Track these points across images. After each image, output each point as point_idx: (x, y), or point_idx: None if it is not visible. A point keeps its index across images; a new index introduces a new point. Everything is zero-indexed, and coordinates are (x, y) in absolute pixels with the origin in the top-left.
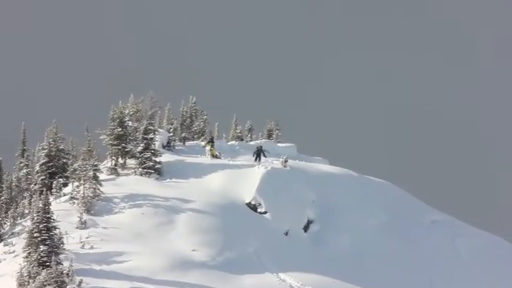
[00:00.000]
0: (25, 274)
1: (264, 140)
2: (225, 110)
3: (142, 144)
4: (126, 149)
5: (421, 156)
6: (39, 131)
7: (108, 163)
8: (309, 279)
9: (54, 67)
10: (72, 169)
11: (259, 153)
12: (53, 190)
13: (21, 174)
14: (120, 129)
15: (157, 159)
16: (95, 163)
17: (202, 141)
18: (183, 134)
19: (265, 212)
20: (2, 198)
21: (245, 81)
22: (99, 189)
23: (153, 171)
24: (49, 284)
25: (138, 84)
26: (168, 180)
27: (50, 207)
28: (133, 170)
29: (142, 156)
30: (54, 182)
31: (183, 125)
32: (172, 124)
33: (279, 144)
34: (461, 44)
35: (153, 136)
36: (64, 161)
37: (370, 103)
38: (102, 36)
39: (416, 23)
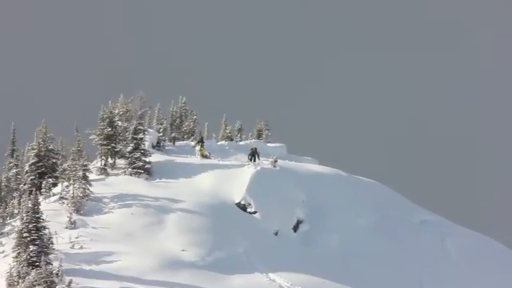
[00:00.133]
0: (15, 274)
1: (253, 140)
2: (215, 110)
3: (132, 144)
4: (116, 149)
5: (415, 157)
6: (29, 131)
7: (98, 163)
8: (298, 279)
9: (47, 67)
10: (61, 169)
11: (253, 154)
12: (42, 190)
13: (11, 174)
14: (110, 129)
15: (147, 159)
16: (85, 163)
17: (192, 141)
18: (173, 134)
19: (254, 212)
20: None
21: (239, 81)
22: (88, 189)
23: (142, 171)
24: (39, 284)
25: (132, 84)
26: (157, 180)
27: (40, 207)
28: (123, 170)
29: (132, 156)
30: (44, 182)
31: (173, 125)
32: (162, 124)
33: (269, 144)
34: (461, 44)
35: (142, 136)
36: (53, 161)
37: (366, 103)
38: (100, 36)
39: (416, 23)
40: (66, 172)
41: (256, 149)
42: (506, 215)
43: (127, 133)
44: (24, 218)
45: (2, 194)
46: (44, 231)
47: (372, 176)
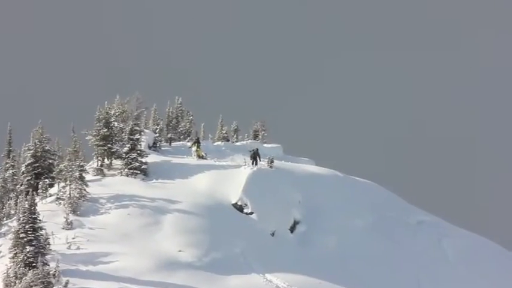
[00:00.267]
0: (11, 275)
1: (250, 140)
2: (212, 110)
3: (128, 145)
4: (112, 150)
5: (413, 157)
6: (25, 132)
7: (94, 164)
8: (295, 280)
9: (45, 67)
10: (58, 170)
11: (255, 156)
12: (39, 191)
13: (7, 175)
14: (106, 129)
15: (144, 160)
16: (81, 164)
17: (188, 141)
18: (169, 135)
19: (251, 213)
20: None
21: (237, 82)
22: (85, 189)
23: (139, 172)
24: (35, 285)
25: (130, 84)
26: (154, 180)
27: (36, 207)
28: (119, 171)
29: (128, 157)
30: (40, 183)
31: (169, 125)
32: (158, 125)
33: (265, 145)
34: (461, 44)
35: (139, 137)
36: (50, 161)
37: (364, 103)
38: (99, 36)
39: (416, 23)
40: (63, 173)
41: (257, 149)
42: (503, 215)
43: (123, 134)
44: (21, 219)
45: None
46: (41, 232)
47: (368, 177)
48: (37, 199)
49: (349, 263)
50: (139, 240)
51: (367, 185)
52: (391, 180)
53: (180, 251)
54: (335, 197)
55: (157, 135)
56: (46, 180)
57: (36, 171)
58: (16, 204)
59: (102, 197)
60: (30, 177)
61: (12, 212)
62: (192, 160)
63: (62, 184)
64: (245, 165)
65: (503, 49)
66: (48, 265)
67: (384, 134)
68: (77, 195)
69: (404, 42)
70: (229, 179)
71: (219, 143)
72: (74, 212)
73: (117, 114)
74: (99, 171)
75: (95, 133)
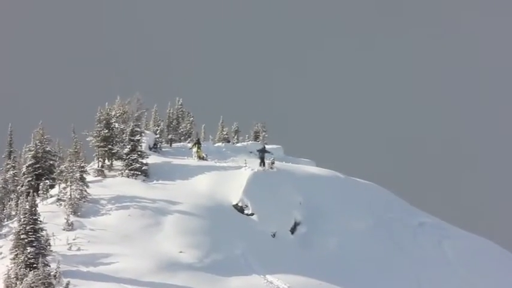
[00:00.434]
0: (12, 276)
1: (250, 141)
2: (212, 111)
3: (128, 146)
4: (113, 151)
5: (413, 158)
6: (26, 133)
7: (95, 165)
8: (296, 281)
9: (45, 68)
10: (58, 171)
11: (263, 156)
12: (39, 192)
13: (8, 175)
14: (107, 130)
15: (144, 161)
16: (82, 165)
17: (188, 143)
18: (170, 136)
19: (252, 214)
20: None
21: (236, 82)
22: (85, 190)
23: (139, 173)
24: (36, 286)
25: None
26: (154, 182)
27: (37, 208)
28: (120, 172)
29: (129, 158)
30: (41, 184)
31: (170, 126)
32: (158, 126)
33: (266, 146)
34: (461, 43)
35: (139, 138)
36: (51, 162)
37: (362, 103)
38: (98, 36)
39: (416, 22)
40: (64, 174)
41: (264, 148)
42: (504, 216)
43: (124, 135)
44: (22, 220)
45: (0, 195)
46: (42, 233)
47: (369, 178)
48: (38, 200)
49: (349, 264)
50: (140, 241)
51: (368, 186)
52: (392, 181)
53: (180, 252)
54: (336, 198)
55: (158, 136)
56: (47, 181)
57: (37, 172)
58: (17, 205)
59: (102, 198)
60: (31, 178)
61: (13, 213)
62: (193, 161)
63: (63, 185)
64: (246, 166)
65: (503, 49)
66: (49, 266)
67: (385, 133)
68: (78, 196)
69: (403, 40)
70: (229, 180)
71: (220, 144)
72: (74, 213)
73: (117, 115)
74: (100, 172)
75: (95, 134)
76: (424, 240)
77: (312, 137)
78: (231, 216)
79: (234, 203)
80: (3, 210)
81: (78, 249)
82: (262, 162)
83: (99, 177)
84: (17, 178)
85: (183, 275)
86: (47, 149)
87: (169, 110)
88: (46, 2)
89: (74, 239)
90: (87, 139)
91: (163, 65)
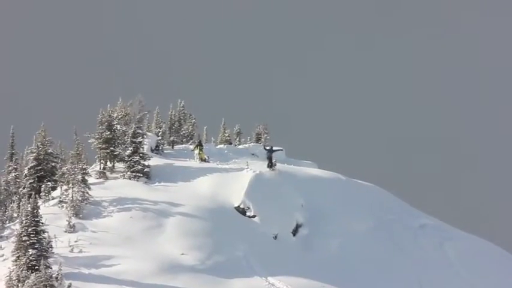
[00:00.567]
0: (14, 278)
1: (252, 143)
2: (212, 111)
3: (130, 148)
4: (115, 153)
5: (414, 159)
6: (28, 135)
7: (97, 167)
8: (297, 283)
9: (45, 69)
10: (60, 173)
11: (270, 156)
12: (41, 194)
13: (10, 177)
14: (109, 132)
15: (146, 163)
16: (84, 167)
17: (190, 144)
18: (172, 138)
19: (254, 216)
20: None
21: (232, 82)
22: (87, 192)
23: (141, 175)
24: None
25: (130, 86)
26: (156, 183)
27: (39, 210)
28: (122, 174)
29: (130, 160)
30: (43, 186)
31: (172, 128)
32: (160, 128)
33: (268, 148)
34: (461, 43)
35: (141, 140)
36: (53, 164)
37: (362, 103)
38: (98, 37)
39: (416, 22)
40: (65, 176)
41: (271, 148)
42: (506, 218)
43: (126, 137)
44: (24, 222)
45: (1, 197)
46: (43, 235)
47: (371, 180)
48: (40, 202)
49: (351, 266)
50: (141, 243)
51: (370, 188)
52: (393, 181)
53: (182, 254)
54: (338, 200)
55: (160, 138)
56: (49, 183)
57: (38, 174)
58: (19, 207)
59: (104, 200)
60: (32, 180)
61: (15, 215)
62: (195, 163)
63: (65, 187)
64: (248, 168)
65: (503, 49)
66: (51, 268)
67: (385, 134)
68: (80, 198)
69: (403, 40)
70: (231, 182)
71: (222, 146)
72: (76, 215)
73: (119, 117)
74: (102, 174)
75: (97, 136)
76: (425, 241)
77: (313, 137)
78: (233, 218)
79: (236, 205)
80: (5, 212)
81: (80, 251)
82: (270, 163)
83: (101, 179)
84: (18, 180)
85: (185, 277)
86: (49, 151)
87: (171, 112)
88: (46, 2)
89: (75, 241)
90: (89, 141)
91: (163, 65)
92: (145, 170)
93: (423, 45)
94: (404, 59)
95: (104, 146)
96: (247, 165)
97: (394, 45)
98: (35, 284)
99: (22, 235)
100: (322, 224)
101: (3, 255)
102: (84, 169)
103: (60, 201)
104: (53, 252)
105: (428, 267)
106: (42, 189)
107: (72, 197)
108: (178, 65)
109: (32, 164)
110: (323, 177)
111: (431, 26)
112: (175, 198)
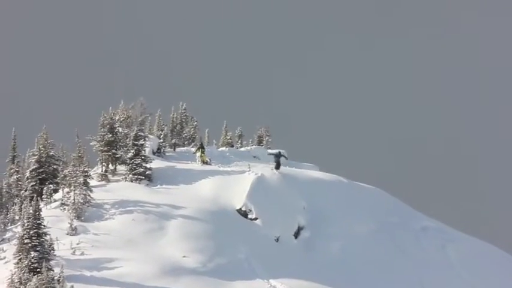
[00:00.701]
0: (16, 280)
1: (254, 146)
2: (212, 110)
3: (132, 151)
4: (117, 155)
5: (416, 161)
6: (30, 137)
7: (99, 169)
8: (299, 286)
9: (46, 70)
10: (62, 175)
11: (278, 160)
12: (43, 196)
13: (12, 180)
14: (111, 135)
15: (148, 166)
16: (85, 169)
17: (192, 147)
18: (174, 140)
19: (255, 219)
20: None
21: (232, 82)
22: (89, 195)
23: (143, 178)
24: None
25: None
26: (158, 186)
27: (41, 213)
28: (123, 176)
29: (132, 163)
30: (45, 188)
31: (174, 131)
32: (162, 130)
33: (269, 151)
34: (461, 43)
35: (143, 142)
36: (54, 167)
37: (362, 103)
38: (98, 37)
39: (416, 22)
40: (67, 178)
41: (280, 152)
42: (507, 220)
43: (127, 139)
44: (25, 224)
45: (3, 200)
46: (45, 238)
47: (372, 182)
48: (41, 205)
49: (353, 268)
50: (143, 245)
51: (371, 190)
52: (393, 182)
53: (184, 256)
54: (339, 203)
55: (162, 140)
56: (50, 185)
57: (40, 177)
58: (20, 209)
59: (106, 203)
60: (34, 183)
61: (17, 217)
62: (197, 166)
63: (67, 190)
64: (249, 171)
65: (503, 49)
66: (53, 271)
67: (385, 134)
68: (82, 201)
69: (403, 40)
70: (233, 184)
71: (224, 148)
72: (78, 217)
73: (121, 119)
74: (104, 177)
75: (99, 138)
76: (427, 244)
77: (313, 138)
78: (235, 221)
79: (238, 207)
80: (7, 214)
81: (82, 254)
82: (278, 165)
83: (103, 182)
84: (20, 183)
85: (187, 279)
86: (51, 153)
87: (173, 115)
88: (46, 2)
89: (77, 244)
90: (91, 143)
91: (163, 65)
92: (147, 172)
93: (423, 45)
94: (404, 59)
95: (105, 148)
96: (249, 167)
97: (394, 45)
98: (37, 287)
99: (24, 237)
100: (324, 227)
101: (5, 257)
102: (86, 171)
103: (62, 204)
104: (54, 255)
105: (430, 269)
106: (44, 191)
107: (74, 199)
108: (178, 65)
109: (34, 167)
110: (324, 180)
111: (431, 26)
112: (177, 201)
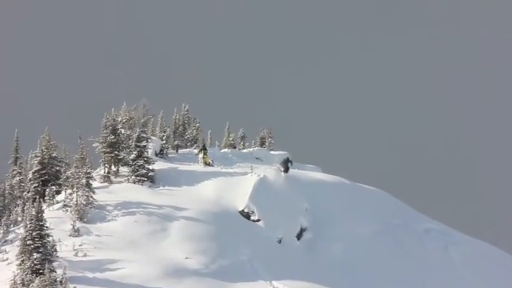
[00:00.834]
0: (18, 282)
1: (256, 148)
2: (212, 110)
3: (135, 152)
4: (119, 157)
5: (419, 163)
6: (32, 139)
7: (101, 171)
8: (301, 287)
9: (46, 71)
10: (65, 177)
11: (287, 165)
12: (45, 198)
13: (14, 181)
14: (113, 136)
15: (150, 167)
16: (88, 171)
17: (195, 149)
18: (176, 142)
19: (258, 220)
20: None
21: (232, 82)
22: (92, 196)
23: (146, 179)
24: None
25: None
26: (161, 187)
27: (43, 214)
28: (126, 178)
29: (135, 164)
30: (47, 190)
31: (176, 132)
32: (165, 132)
33: (272, 152)
34: (461, 43)
35: (146, 144)
36: (57, 168)
37: (363, 103)
38: (98, 38)
39: (416, 22)
40: (70, 180)
41: (288, 158)
42: (508, 221)
43: (130, 141)
44: (28, 226)
45: (6, 201)
46: (48, 239)
47: (375, 184)
48: (44, 206)
49: (355, 270)
50: (146, 247)
51: (374, 192)
52: (393, 182)
53: (187, 258)
54: (342, 205)
55: (164, 142)
56: (53, 187)
57: (43, 178)
58: (23, 211)
59: (109, 204)
60: (37, 184)
61: (20, 219)
62: (199, 167)
63: (69, 191)
64: (252, 172)
65: (504, 49)
66: (55, 272)
67: (385, 134)
68: (84, 202)
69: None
70: (235, 186)
71: (226, 150)
72: (80, 219)
73: (124, 121)
74: (106, 178)
75: (101, 140)
76: (431, 245)
77: (314, 138)
78: (237, 222)
79: (240, 209)
80: (10, 216)
81: (85, 255)
82: (287, 170)
83: (106, 183)
84: (23, 184)
85: (189, 281)
86: (53, 155)
87: (176, 116)
88: (46, 2)
89: (80, 245)
90: (94, 145)
91: (163, 65)
92: (149, 174)
93: (423, 45)
94: (404, 59)
95: (108, 150)
96: (252, 169)
97: (394, 45)
98: None
99: (26, 239)
100: (327, 228)
101: (7, 259)
102: (89, 173)
103: (65, 205)
104: (57, 256)
105: (433, 271)
106: (46, 193)
107: (77, 201)
108: (179, 65)
109: (37, 168)
110: (327, 181)
111: (431, 26)
112: (179, 202)
